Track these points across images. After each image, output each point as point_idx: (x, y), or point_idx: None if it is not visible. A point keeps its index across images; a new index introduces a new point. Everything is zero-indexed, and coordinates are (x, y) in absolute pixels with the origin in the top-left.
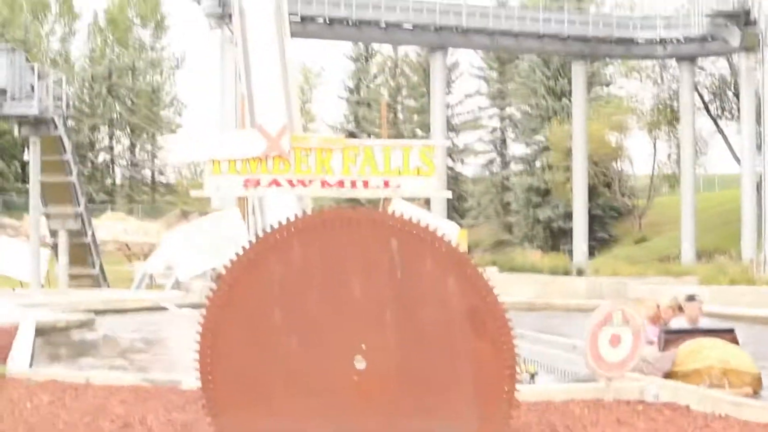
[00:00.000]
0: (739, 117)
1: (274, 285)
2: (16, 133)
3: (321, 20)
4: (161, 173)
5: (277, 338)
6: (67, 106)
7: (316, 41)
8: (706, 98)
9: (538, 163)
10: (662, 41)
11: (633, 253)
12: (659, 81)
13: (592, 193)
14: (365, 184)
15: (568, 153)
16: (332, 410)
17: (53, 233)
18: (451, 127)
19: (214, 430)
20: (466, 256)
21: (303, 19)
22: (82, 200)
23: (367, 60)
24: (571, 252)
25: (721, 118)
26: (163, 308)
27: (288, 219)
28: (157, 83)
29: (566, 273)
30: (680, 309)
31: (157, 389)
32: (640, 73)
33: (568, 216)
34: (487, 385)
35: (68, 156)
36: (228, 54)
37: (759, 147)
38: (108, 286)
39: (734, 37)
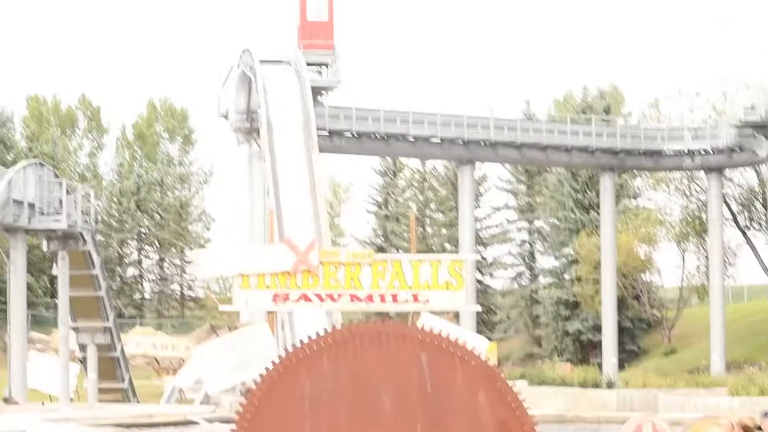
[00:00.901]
0: (767, 227)
1: (303, 399)
2: (44, 247)
3: (349, 135)
4: (190, 288)
5: None
6: (96, 220)
7: (345, 156)
8: (735, 209)
9: (567, 276)
10: (690, 153)
11: (663, 364)
12: (687, 192)
13: (621, 305)
14: (394, 298)
15: (597, 265)
16: None
17: (82, 347)
18: (479, 241)
19: None
20: (496, 370)
21: (331, 133)
22: (111, 315)
23: (395, 174)
24: (600, 364)
25: (749, 228)
26: (193, 423)
27: (317, 333)
28: (185, 198)
29: (596, 385)
30: (759, 429)
31: None
32: (669, 185)
33: (598, 328)
34: None
35: (97, 270)
36: (256, 168)
37: None
38: (137, 401)
39: (762, 148)
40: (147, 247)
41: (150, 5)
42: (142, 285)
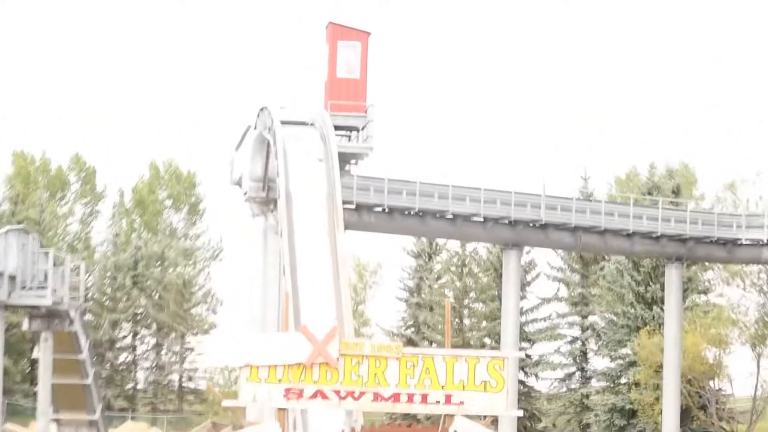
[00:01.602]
0: None
1: None
2: (25, 326)
3: (379, 210)
4: (190, 379)
5: None
6: (85, 298)
7: (373, 234)
8: None
9: (623, 380)
10: None
11: None
12: (765, 289)
13: (685, 415)
14: (424, 398)
15: (659, 369)
16: None
17: None
18: (524, 336)
19: None
20: None
21: (359, 207)
22: (99, 406)
23: (430, 257)
24: None
25: None
26: None
27: None
28: (189, 275)
29: None
30: None
31: None
32: (744, 280)
33: None
34: None
35: (84, 355)
36: (271, 245)
37: None
38: None
39: None
40: (143, 331)
41: (157, 55)
42: (135, 373)
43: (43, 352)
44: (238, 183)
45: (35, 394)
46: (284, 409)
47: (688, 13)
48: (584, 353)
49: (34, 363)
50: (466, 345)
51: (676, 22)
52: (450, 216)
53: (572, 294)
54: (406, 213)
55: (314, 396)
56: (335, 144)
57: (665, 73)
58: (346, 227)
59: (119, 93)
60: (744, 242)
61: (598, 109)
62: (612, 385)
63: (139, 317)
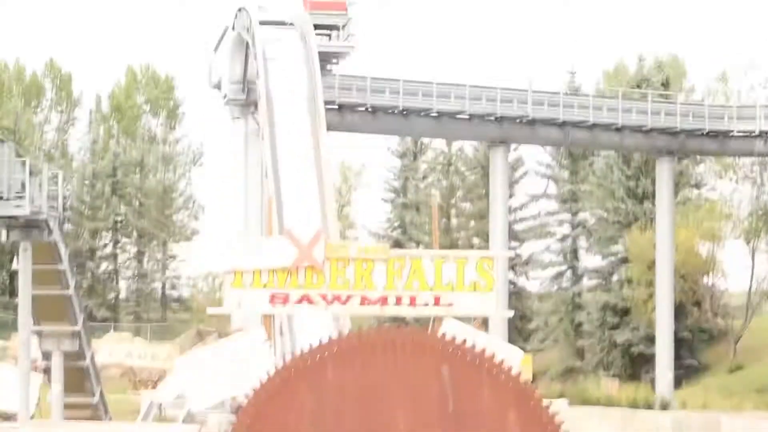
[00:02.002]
0: None
1: (303, 418)
2: (3, 238)
3: (362, 109)
4: (173, 287)
5: None
6: (64, 207)
7: (357, 135)
8: None
9: (615, 278)
10: (763, 134)
11: (727, 383)
12: (759, 181)
13: (679, 312)
14: (412, 300)
15: (651, 266)
16: None
17: (46, 355)
18: (513, 235)
19: None
20: (530, 387)
21: (341, 107)
22: (81, 317)
23: (415, 156)
24: (653, 381)
25: None
26: None
27: (321, 341)
28: (169, 181)
29: (648, 406)
30: None
31: None
32: (737, 173)
33: (651, 339)
34: None
35: (64, 265)
36: (253, 148)
37: None
38: (110, 418)
39: None
40: (124, 239)
41: None
42: (117, 283)
43: (23, 263)
44: (217, 86)
45: (15, 306)
46: (270, 315)
47: None
48: (575, 251)
49: (13, 275)
50: (454, 245)
51: None
52: (435, 114)
53: (561, 191)
54: (390, 112)
55: (300, 301)
56: (315, 44)
57: None
58: (329, 129)
59: None
60: (736, 134)
61: (584, 3)
62: (604, 283)
63: (119, 225)
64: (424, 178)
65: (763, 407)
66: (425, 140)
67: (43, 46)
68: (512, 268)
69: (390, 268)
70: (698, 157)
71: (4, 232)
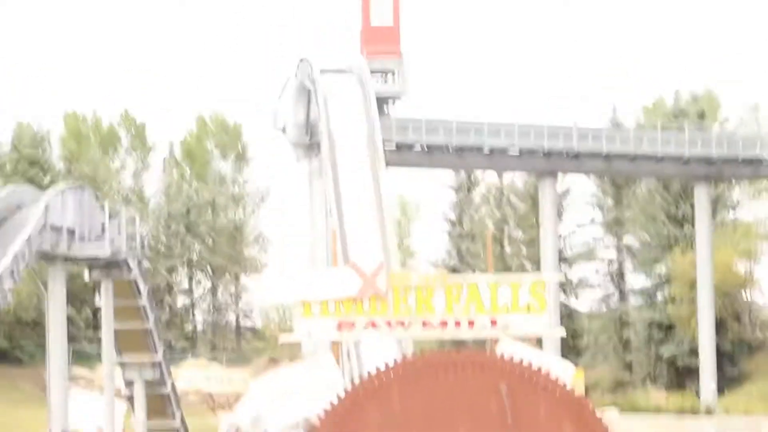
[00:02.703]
0: None
1: None
2: (86, 277)
3: (418, 147)
4: (246, 317)
5: None
6: (142, 246)
7: (414, 170)
8: None
9: (659, 296)
10: None
11: (767, 390)
12: None
13: (720, 326)
14: (470, 324)
15: (693, 284)
16: None
17: (129, 384)
18: (563, 260)
19: None
20: (583, 399)
21: (399, 146)
22: (160, 348)
23: (469, 189)
24: (698, 391)
25: None
26: None
27: (386, 364)
28: (239, 219)
29: (694, 413)
30: None
31: None
32: None
33: (694, 352)
34: None
35: (144, 300)
36: (316, 186)
37: None
38: None
39: None
40: (198, 274)
41: (199, 11)
42: (193, 315)
43: (105, 300)
44: (282, 130)
45: (99, 339)
46: (338, 341)
47: None
48: (621, 273)
49: (96, 311)
50: (508, 271)
51: None
52: (486, 150)
53: (607, 218)
54: (444, 150)
55: (366, 327)
56: (372, 88)
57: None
58: (387, 165)
59: (165, 46)
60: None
61: (621, 45)
62: (649, 302)
63: (194, 262)
64: (478, 209)
65: None
66: (478, 174)
67: (117, 99)
68: (563, 290)
69: (448, 294)
70: (733, 181)
71: (86, 272)
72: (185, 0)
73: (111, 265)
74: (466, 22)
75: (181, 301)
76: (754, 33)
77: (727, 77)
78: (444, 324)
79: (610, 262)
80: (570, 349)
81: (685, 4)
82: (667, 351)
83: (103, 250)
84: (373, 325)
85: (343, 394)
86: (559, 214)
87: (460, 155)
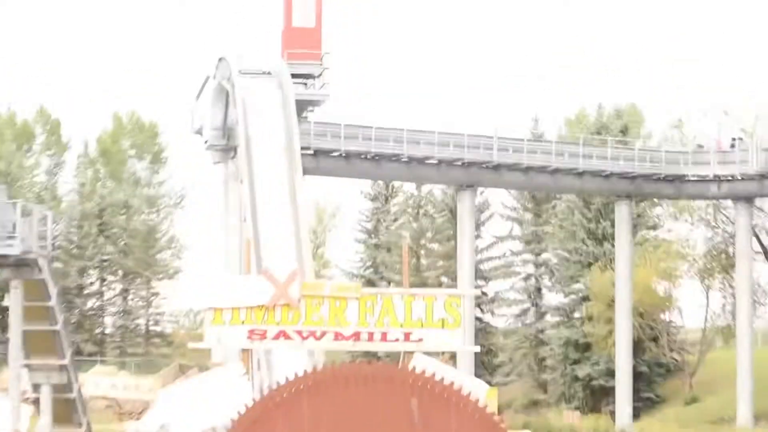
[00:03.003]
0: None
1: None
2: None
3: (336, 155)
4: (156, 323)
5: None
6: (53, 246)
7: (331, 178)
8: (766, 242)
9: (577, 315)
10: (716, 179)
11: (683, 414)
12: (713, 223)
13: (638, 348)
14: (383, 336)
15: (611, 303)
16: None
17: (35, 388)
18: (480, 274)
19: None
20: (496, 418)
21: (317, 153)
22: (68, 351)
23: (387, 199)
24: (613, 413)
25: None
26: None
27: (297, 375)
28: (153, 222)
29: None
30: None
31: None
32: (692, 215)
33: (611, 373)
34: None
35: (53, 302)
36: (232, 191)
37: None
38: None
39: None
40: (109, 277)
41: (120, 6)
42: (103, 319)
43: (14, 300)
44: (199, 132)
45: (6, 341)
46: (248, 350)
47: None
48: (538, 289)
49: (4, 311)
50: (423, 284)
51: None
52: (405, 159)
53: (525, 232)
54: (363, 157)
55: (277, 337)
56: (292, 92)
57: (614, 12)
58: (305, 173)
59: (80, 45)
60: (691, 178)
61: (546, 48)
62: (566, 320)
63: (105, 264)
64: (395, 220)
65: None
66: (396, 184)
67: (33, 94)
68: (479, 305)
69: (362, 306)
70: (655, 200)
71: None
72: None
73: (21, 265)
74: (389, 26)
75: (91, 304)
76: (681, 48)
77: (652, 91)
78: (357, 336)
79: (528, 277)
80: (484, 366)
81: (611, 16)
82: (582, 371)
83: (13, 249)
84: (285, 334)
85: (251, 404)
86: (477, 228)
87: (379, 164)
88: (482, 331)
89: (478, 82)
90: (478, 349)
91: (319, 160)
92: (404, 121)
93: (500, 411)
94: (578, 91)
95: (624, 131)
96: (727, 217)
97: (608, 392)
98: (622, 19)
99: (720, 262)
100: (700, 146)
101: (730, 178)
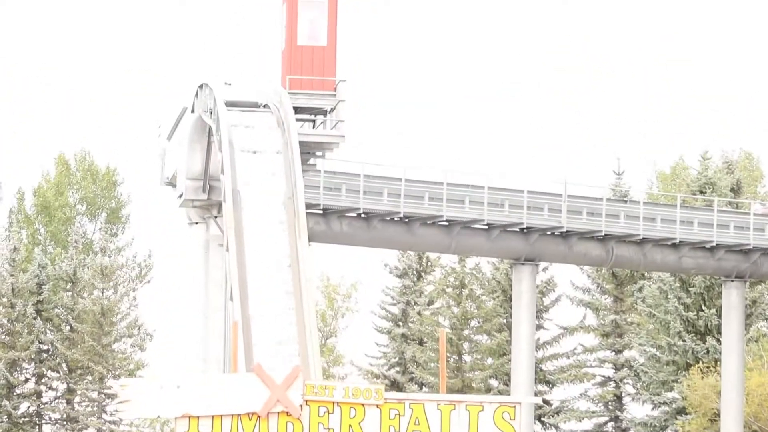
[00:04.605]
0: None
1: None
2: None
3: (354, 215)
4: None
5: None
6: None
7: (347, 247)
8: None
9: (670, 431)
10: None
11: None
12: None
13: None
14: None
15: (715, 418)
16: None
17: None
18: (541, 377)
19: None
20: None
21: (326, 212)
22: None
23: (419, 275)
24: None
25: None
26: None
27: None
28: (109, 301)
29: None
30: None
31: None
32: None
33: None
34: None
35: None
36: (214, 261)
37: None
38: None
39: None
40: (50, 373)
41: (65, 17)
42: (40, 428)
43: None
44: (172, 182)
45: None
46: None
47: None
48: (619, 398)
49: None
50: (466, 388)
51: None
52: (444, 222)
53: (603, 322)
54: (389, 219)
55: None
56: (296, 131)
57: (718, 43)
58: (311, 238)
59: (20, 69)
60: None
61: (636, 86)
62: None
63: (45, 356)
64: (430, 303)
65: None
66: (432, 255)
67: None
68: (539, 418)
69: (385, 416)
70: None
71: None
72: (66, 13)
73: None
74: (421, 46)
75: (25, 408)
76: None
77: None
78: None
79: (605, 382)
80: None
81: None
82: None
83: None
84: None
85: None
86: (539, 315)
87: (408, 228)
88: None
89: (540, 123)
90: None
91: (330, 221)
92: (444, 173)
93: None
94: (675, 137)
95: (736, 190)
96: None
97: None
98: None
99: None
100: None
101: None
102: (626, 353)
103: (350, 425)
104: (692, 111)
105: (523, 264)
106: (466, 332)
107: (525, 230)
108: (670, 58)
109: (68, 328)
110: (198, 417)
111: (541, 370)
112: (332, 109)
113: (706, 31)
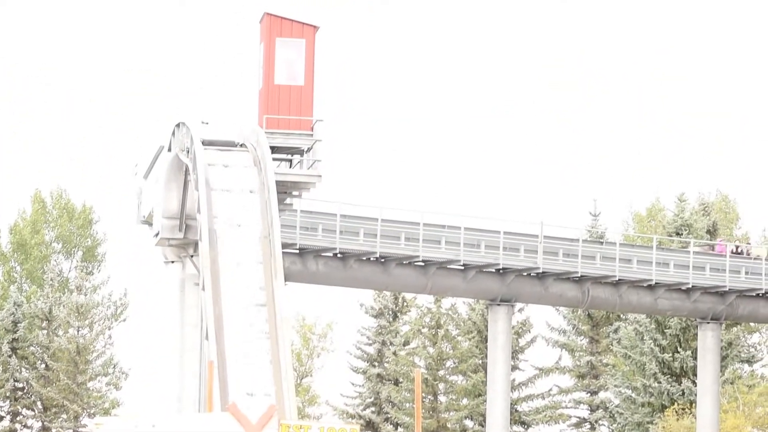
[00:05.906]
0: None
1: None
2: None
3: (330, 255)
4: None
5: None
6: None
7: (323, 287)
8: None
9: None
10: None
11: None
12: None
13: None
14: None
15: None
16: None
17: None
18: (517, 418)
19: None
20: None
21: (303, 252)
22: None
23: (395, 316)
24: None
25: None
26: None
27: None
28: (84, 340)
29: None
30: None
31: None
32: None
33: None
34: None
35: None
36: (190, 299)
37: None
38: None
39: None
40: (24, 411)
41: (43, 55)
42: None
43: None
44: (148, 221)
45: None
46: None
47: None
48: None
49: None
50: (442, 429)
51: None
52: (421, 263)
53: (578, 363)
54: (365, 259)
55: None
56: (272, 171)
57: (695, 81)
58: (288, 278)
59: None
60: None
61: (609, 127)
62: None
63: (19, 394)
64: (406, 343)
65: None
66: (408, 296)
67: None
68: None
69: None
70: (752, 324)
71: None
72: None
73: None
74: (396, 86)
75: None
76: None
77: (750, 180)
78: None
79: (581, 423)
80: None
81: (691, 80)
82: None
83: None
84: None
85: None
86: (515, 356)
87: (385, 268)
88: None
89: (516, 164)
90: None
91: (306, 261)
92: (420, 213)
93: None
94: (652, 176)
95: (712, 232)
96: None
97: None
98: (713, 87)
99: None
100: None
101: None
102: (601, 394)
103: None
104: (667, 150)
105: (498, 305)
106: (441, 372)
107: (501, 271)
108: (663, 75)
109: (43, 366)
110: None
111: (516, 410)
112: (309, 149)
113: (684, 54)
